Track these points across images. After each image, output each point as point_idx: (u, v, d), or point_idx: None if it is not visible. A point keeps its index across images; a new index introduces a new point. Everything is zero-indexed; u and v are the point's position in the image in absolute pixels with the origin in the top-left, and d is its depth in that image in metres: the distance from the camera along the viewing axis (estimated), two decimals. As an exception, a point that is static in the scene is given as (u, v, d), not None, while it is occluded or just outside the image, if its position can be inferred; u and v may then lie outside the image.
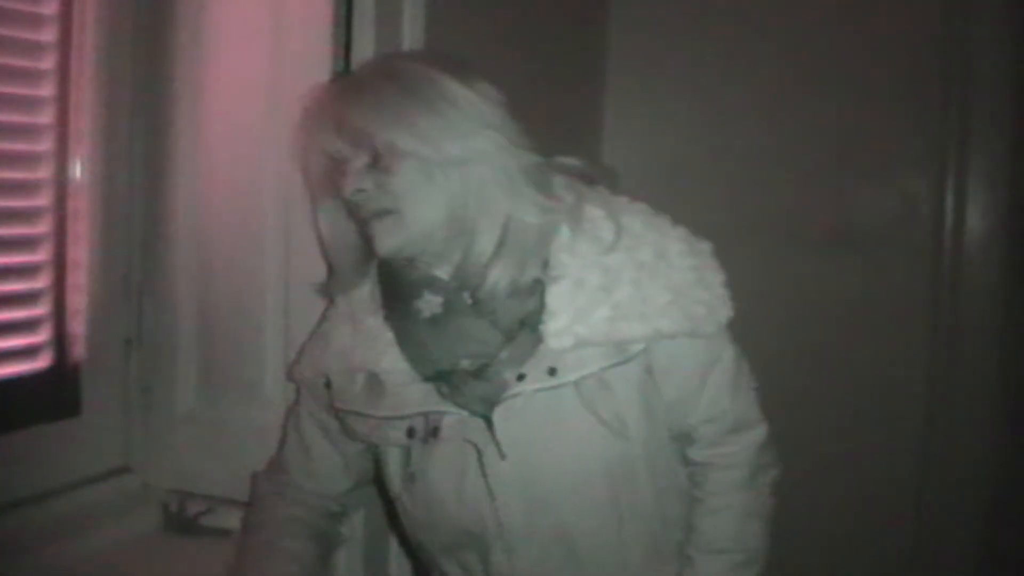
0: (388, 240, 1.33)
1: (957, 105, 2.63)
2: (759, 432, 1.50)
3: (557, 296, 1.35)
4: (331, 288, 1.52)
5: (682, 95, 2.84)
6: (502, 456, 1.36)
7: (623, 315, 1.34)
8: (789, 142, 2.74)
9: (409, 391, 1.40)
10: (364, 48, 1.67)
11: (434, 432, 1.40)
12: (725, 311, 1.40)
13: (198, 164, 1.79)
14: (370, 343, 1.42)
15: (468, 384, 1.37)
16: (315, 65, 1.66)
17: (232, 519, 1.73)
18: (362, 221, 1.36)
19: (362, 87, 1.34)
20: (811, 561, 2.43)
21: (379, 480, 1.58)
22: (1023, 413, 2.60)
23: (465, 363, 1.37)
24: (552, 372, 1.34)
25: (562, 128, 2.57)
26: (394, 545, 1.82)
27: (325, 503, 1.61)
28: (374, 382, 1.42)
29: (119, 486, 1.81)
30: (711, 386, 1.45)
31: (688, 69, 2.83)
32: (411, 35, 1.74)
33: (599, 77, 2.89)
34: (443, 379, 1.38)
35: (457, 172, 1.31)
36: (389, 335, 1.41)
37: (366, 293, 1.47)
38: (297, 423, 1.60)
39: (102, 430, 1.81)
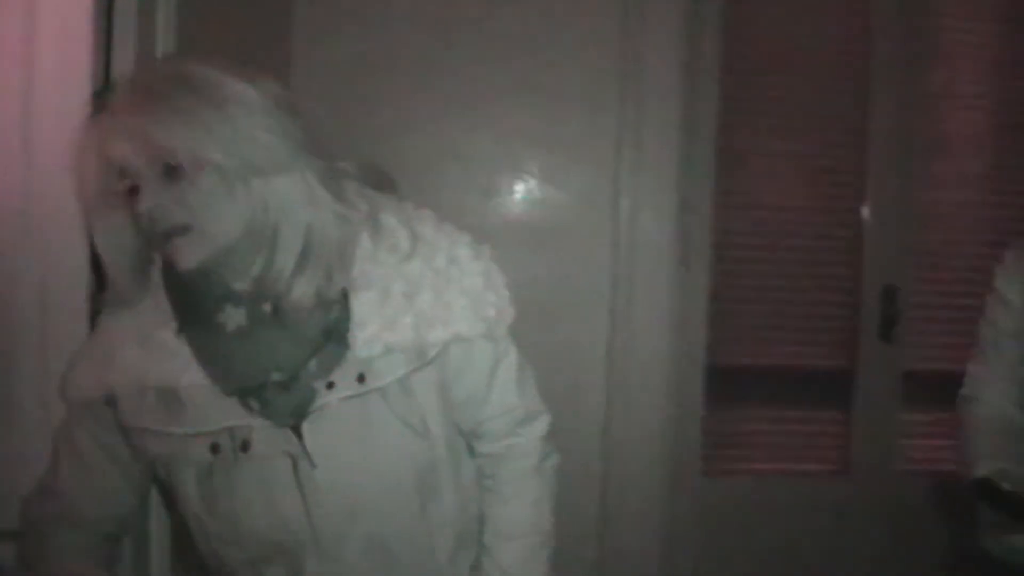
0: (190, 256, 1.29)
1: (632, 111, 2.91)
2: (543, 422, 1.59)
3: (364, 305, 1.38)
4: (111, 302, 1.45)
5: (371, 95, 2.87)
6: (314, 465, 1.38)
7: (426, 321, 1.40)
8: (482, 139, 2.91)
9: (212, 406, 1.37)
10: (125, 58, 1.63)
11: (243, 446, 1.38)
12: (510, 312, 1.49)
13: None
14: (165, 358, 1.38)
15: (277, 396, 1.36)
16: (72, 73, 1.62)
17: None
18: (157, 236, 1.30)
19: (155, 95, 1.27)
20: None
21: (165, 498, 1.58)
22: (689, 386, 3.08)
23: (275, 376, 1.35)
24: (361, 379, 1.38)
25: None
26: (156, 562, 1.79)
27: (105, 526, 1.56)
28: (170, 398, 1.38)
29: None
30: (500, 383, 1.53)
31: (375, 74, 2.87)
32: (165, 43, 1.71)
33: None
34: (250, 392, 1.36)
35: (256, 183, 1.29)
36: (186, 349, 1.38)
37: (151, 305, 1.41)
38: (72, 445, 1.51)
39: None
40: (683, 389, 3.05)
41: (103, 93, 1.35)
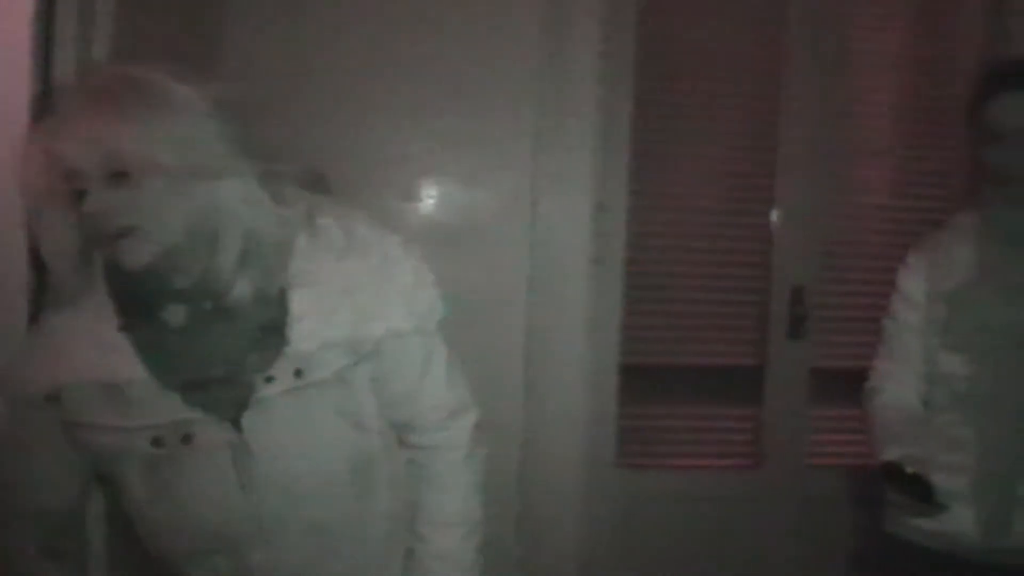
0: (136, 257, 1.31)
1: (550, 113, 2.95)
2: (472, 415, 1.63)
3: (302, 302, 1.41)
4: (54, 300, 1.48)
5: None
6: (255, 457, 1.41)
7: (363, 317, 1.44)
8: (403, 142, 2.92)
9: (154, 400, 1.39)
10: (65, 61, 1.64)
11: (186, 439, 1.40)
12: (440, 308, 1.56)
13: None
14: (108, 354, 1.40)
15: (218, 390, 1.40)
16: (12, 77, 1.62)
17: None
18: (103, 237, 1.32)
19: (104, 100, 1.29)
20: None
21: (108, 491, 1.57)
22: (604, 383, 3.12)
23: (215, 371, 1.39)
24: (299, 374, 1.41)
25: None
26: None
27: (52, 519, 1.57)
28: (113, 393, 1.40)
29: None
30: (432, 377, 1.57)
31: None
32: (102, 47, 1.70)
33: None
34: (191, 387, 1.39)
35: (200, 185, 1.32)
36: (129, 346, 1.40)
37: (94, 303, 1.42)
38: (15, 440, 1.52)
39: None
40: (598, 386, 3.10)
41: (48, 96, 1.37)
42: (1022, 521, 1.90)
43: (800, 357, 3.32)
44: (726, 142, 3.32)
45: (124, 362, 1.39)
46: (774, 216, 3.32)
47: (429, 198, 2.97)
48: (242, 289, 1.37)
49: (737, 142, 3.33)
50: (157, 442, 1.40)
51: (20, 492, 1.53)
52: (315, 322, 1.41)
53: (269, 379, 1.40)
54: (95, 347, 1.40)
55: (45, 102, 1.37)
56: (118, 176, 1.27)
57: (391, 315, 1.46)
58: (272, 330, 1.40)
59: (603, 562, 3.11)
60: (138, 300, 1.40)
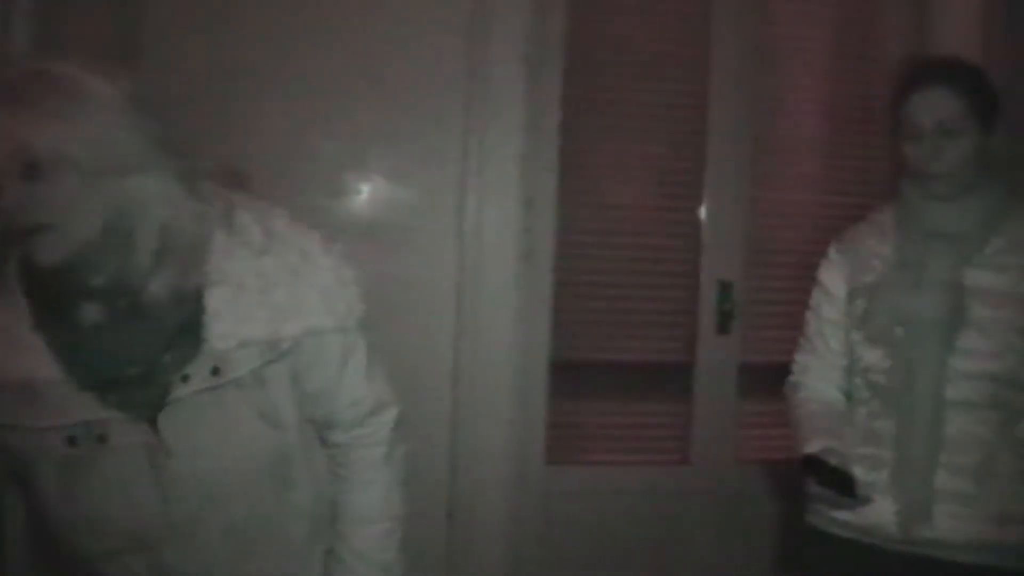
0: (49, 254, 1.29)
1: (477, 110, 2.97)
2: (392, 413, 1.63)
3: (218, 300, 1.39)
4: None
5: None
6: (169, 456, 1.40)
7: (280, 315, 1.43)
8: (329, 138, 2.92)
9: (68, 400, 1.37)
10: None
11: (101, 439, 1.39)
12: (359, 306, 1.54)
13: None
14: (21, 353, 1.37)
15: (133, 390, 1.38)
16: None
17: None
18: (14, 234, 1.29)
19: (16, 93, 1.26)
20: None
21: (18, 491, 1.56)
22: (534, 379, 3.13)
23: (130, 370, 1.37)
24: (215, 372, 1.40)
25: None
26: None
27: None
28: (26, 392, 1.38)
29: None
30: (350, 375, 1.56)
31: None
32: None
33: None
34: (106, 386, 1.38)
35: (115, 181, 1.30)
36: (42, 344, 1.37)
37: (6, 301, 1.40)
38: None
39: None
40: (528, 383, 3.11)
41: None
42: (941, 512, 1.92)
43: (728, 352, 3.36)
44: (654, 138, 3.34)
45: (37, 361, 1.37)
46: (702, 213, 3.35)
47: (357, 194, 2.98)
48: (158, 287, 1.35)
49: (664, 138, 3.35)
50: (71, 442, 1.38)
51: None
52: (232, 321, 1.39)
53: (185, 378, 1.39)
54: (8, 346, 1.37)
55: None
56: (31, 171, 1.24)
57: (309, 313, 1.45)
58: (188, 329, 1.39)
59: (531, 558, 3.11)
60: (51, 298, 1.37)
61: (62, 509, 1.44)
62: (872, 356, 2.01)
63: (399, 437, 1.64)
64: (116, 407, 1.38)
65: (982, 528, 1.91)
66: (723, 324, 3.33)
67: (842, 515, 1.99)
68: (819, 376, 2.13)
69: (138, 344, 1.37)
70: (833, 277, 2.12)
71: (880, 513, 1.95)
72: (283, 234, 1.48)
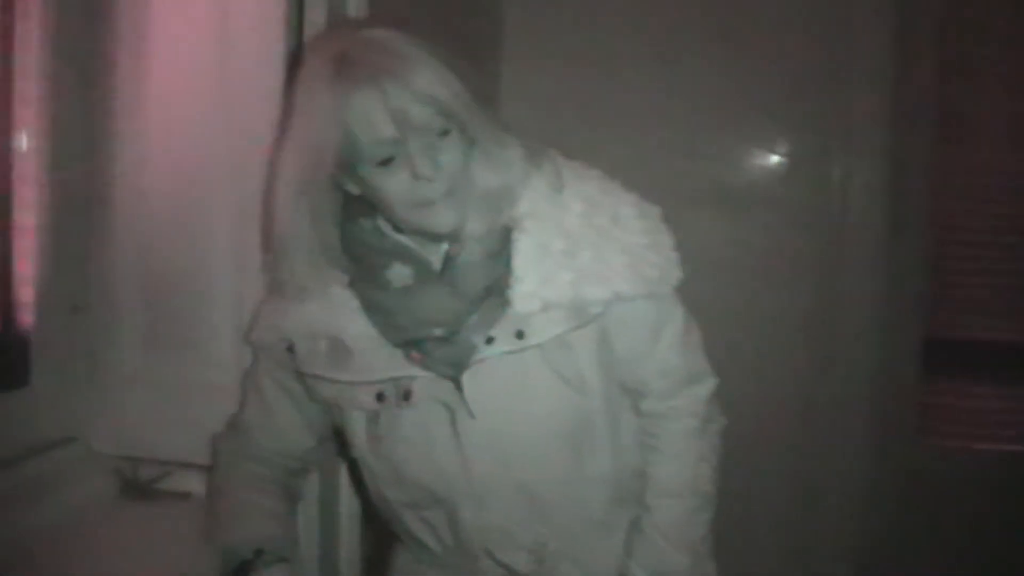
0: (450, 218, 1.33)
1: (842, 70, 2.87)
2: (708, 384, 1.57)
3: (523, 261, 1.38)
4: (296, 281, 1.43)
5: (578, 59, 2.95)
6: (472, 416, 1.40)
7: (585, 279, 1.38)
8: (683, 104, 2.92)
9: (378, 356, 1.41)
10: (316, 19, 1.66)
11: (406, 396, 1.41)
12: (676, 273, 1.46)
13: (142, 130, 1.77)
14: (336, 309, 1.43)
15: (439, 349, 1.39)
16: (265, 34, 1.67)
17: (189, 482, 1.75)
18: (415, 202, 1.32)
19: (411, 57, 1.27)
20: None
21: (338, 438, 1.60)
22: (901, 352, 2.97)
23: (437, 331, 1.39)
24: (519, 335, 1.38)
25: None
26: (344, 501, 1.85)
27: (287, 462, 1.63)
28: (339, 347, 1.43)
29: (69, 455, 1.77)
30: (663, 344, 1.50)
31: (583, 36, 2.97)
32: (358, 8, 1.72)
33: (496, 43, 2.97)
34: (413, 345, 1.40)
35: (469, 141, 1.32)
36: (355, 302, 1.42)
37: (327, 257, 1.43)
38: (257, 386, 1.60)
39: (52, 399, 1.76)
40: (895, 360, 2.95)
41: (301, 52, 1.38)
42: None
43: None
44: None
45: (350, 318, 1.41)
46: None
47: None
48: (471, 245, 1.37)
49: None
50: (380, 397, 1.42)
51: (259, 433, 1.60)
52: (535, 281, 1.37)
53: (490, 340, 1.38)
54: (324, 302, 1.43)
55: (297, 58, 1.38)
56: (442, 134, 1.29)
57: (616, 279, 1.39)
58: (494, 290, 1.39)
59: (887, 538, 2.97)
60: (368, 258, 1.41)
61: (371, 459, 1.50)
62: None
63: (714, 411, 1.58)
64: (422, 366, 1.40)
65: None
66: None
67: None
68: None
69: (445, 306, 1.38)
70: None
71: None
72: (593, 195, 1.43)
